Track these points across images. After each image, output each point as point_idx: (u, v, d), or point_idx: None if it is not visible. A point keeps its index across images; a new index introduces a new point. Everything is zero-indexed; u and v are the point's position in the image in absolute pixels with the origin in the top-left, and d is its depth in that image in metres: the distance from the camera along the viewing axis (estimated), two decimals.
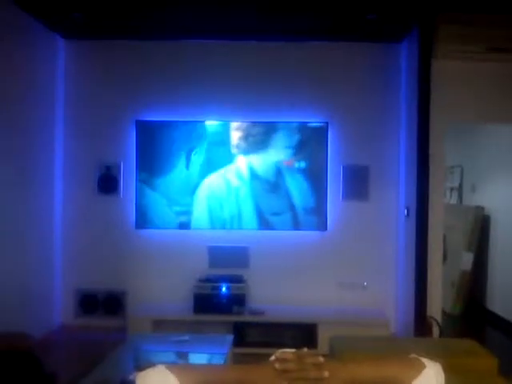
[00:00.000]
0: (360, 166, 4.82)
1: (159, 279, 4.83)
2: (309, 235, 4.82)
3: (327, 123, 4.77)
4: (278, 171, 4.76)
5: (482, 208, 5.79)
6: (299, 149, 4.76)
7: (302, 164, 4.77)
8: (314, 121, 4.80)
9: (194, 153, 4.73)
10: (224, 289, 4.53)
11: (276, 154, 4.76)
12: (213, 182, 4.77)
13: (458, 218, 5.95)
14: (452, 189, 6.72)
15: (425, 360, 1.25)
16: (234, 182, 4.77)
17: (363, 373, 1.22)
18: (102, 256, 4.86)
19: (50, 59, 4.76)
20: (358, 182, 4.83)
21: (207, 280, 4.61)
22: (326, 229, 4.78)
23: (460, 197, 6.59)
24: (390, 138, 4.85)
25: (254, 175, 4.76)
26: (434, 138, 4.21)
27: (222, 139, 4.76)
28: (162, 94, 4.85)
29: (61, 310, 4.88)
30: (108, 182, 4.85)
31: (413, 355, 1.29)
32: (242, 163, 4.76)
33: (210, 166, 4.77)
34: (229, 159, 4.76)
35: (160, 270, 4.84)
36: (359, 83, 4.84)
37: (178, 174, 4.78)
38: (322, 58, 4.85)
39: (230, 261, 4.80)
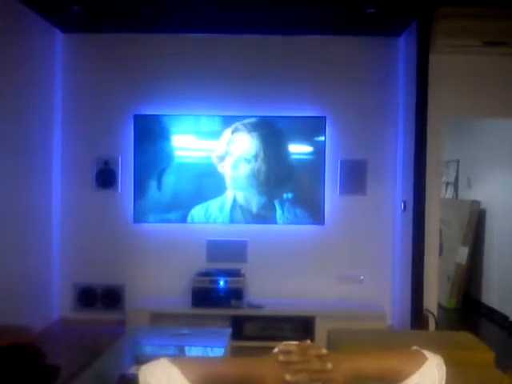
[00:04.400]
0: (358, 161, 4.84)
1: (157, 273, 4.84)
2: (306, 229, 4.84)
3: (325, 117, 4.78)
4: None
5: (478, 202, 5.82)
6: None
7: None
8: (312, 115, 4.80)
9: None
10: (222, 283, 4.54)
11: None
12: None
13: (453, 213, 5.97)
14: (448, 183, 6.74)
15: (426, 352, 1.26)
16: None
17: (366, 364, 1.23)
18: (100, 250, 4.86)
19: (49, 53, 4.73)
20: (355, 177, 4.84)
21: (205, 274, 4.62)
22: (324, 223, 4.80)
23: (456, 191, 6.62)
24: (387, 132, 4.86)
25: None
26: (432, 132, 4.23)
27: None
28: (160, 88, 4.83)
29: (59, 304, 4.88)
30: (106, 177, 4.84)
31: (414, 347, 1.30)
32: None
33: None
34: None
35: (158, 264, 4.85)
36: (357, 77, 4.84)
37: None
38: (320, 51, 4.84)
39: (228, 255, 4.81)
